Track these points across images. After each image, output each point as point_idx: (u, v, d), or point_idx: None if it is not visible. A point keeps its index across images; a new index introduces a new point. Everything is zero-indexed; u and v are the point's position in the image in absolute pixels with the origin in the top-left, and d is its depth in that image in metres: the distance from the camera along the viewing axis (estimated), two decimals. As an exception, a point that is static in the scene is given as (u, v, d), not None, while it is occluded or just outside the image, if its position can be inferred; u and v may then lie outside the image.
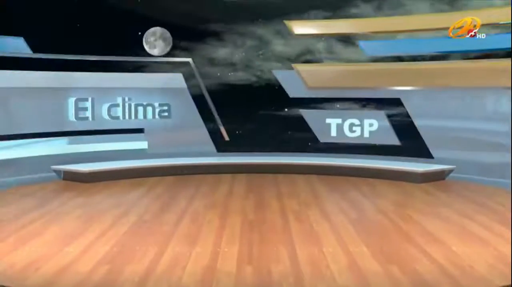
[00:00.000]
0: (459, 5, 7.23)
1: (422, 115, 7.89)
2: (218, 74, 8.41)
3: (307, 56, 8.34)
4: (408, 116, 7.97)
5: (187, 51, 8.26)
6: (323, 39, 8.23)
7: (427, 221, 5.11)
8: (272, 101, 8.48)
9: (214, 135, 8.55)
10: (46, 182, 7.10)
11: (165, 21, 8.00)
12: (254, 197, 6.34)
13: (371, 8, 7.84)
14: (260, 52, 8.41)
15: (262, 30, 8.32)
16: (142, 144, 8.17)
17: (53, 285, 3.43)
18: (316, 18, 8.15)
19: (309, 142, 8.51)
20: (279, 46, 8.37)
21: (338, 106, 8.40)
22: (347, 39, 8.13)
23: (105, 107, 7.93)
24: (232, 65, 8.42)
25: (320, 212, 5.53)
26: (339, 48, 8.16)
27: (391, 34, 7.96)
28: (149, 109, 8.22)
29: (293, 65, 8.36)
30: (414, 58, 7.85)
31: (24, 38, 7.01)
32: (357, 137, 8.32)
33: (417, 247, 4.27)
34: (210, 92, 8.43)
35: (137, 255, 4.03)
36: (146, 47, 7.96)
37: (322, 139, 8.50)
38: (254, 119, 8.47)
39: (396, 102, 8.04)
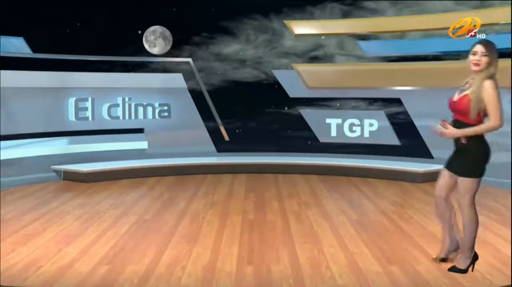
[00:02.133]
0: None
1: (422, 115, 7.86)
2: (218, 73, 8.40)
3: (307, 55, 8.33)
4: (408, 116, 7.96)
5: (187, 51, 8.26)
6: (322, 38, 8.25)
7: (427, 221, 5.10)
8: (272, 101, 8.46)
9: (214, 135, 8.54)
10: (46, 182, 7.09)
11: (165, 19, 7.98)
12: (254, 197, 6.34)
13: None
14: (260, 51, 8.40)
15: (261, 29, 8.31)
16: (142, 144, 8.16)
17: (53, 285, 3.43)
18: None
19: (309, 142, 8.51)
20: (281, 44, 8.35)
21: (338, 105, 8.40)
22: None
23: (105, 107, 7.91)
24: (232, 64, 8.40)
25: (320, 212, 5.54)
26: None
27: (391, 34, 7.97)
28: (149, 109, 8.21)
29: (293, 65, 8.34)
30: (414, 58, 7.84)
31: (24, 38, 7.00)
32: (357, 137, 8.31)
33: (417, 247, 4.27)
34: (210, 92, 8.42)
35: (137, 255, 4.03)
36: (146, 45, 7.94)
37: (322, 139, 8.49)
38: (254, 119, 8.45)
39: (396, 102, 8.03)
